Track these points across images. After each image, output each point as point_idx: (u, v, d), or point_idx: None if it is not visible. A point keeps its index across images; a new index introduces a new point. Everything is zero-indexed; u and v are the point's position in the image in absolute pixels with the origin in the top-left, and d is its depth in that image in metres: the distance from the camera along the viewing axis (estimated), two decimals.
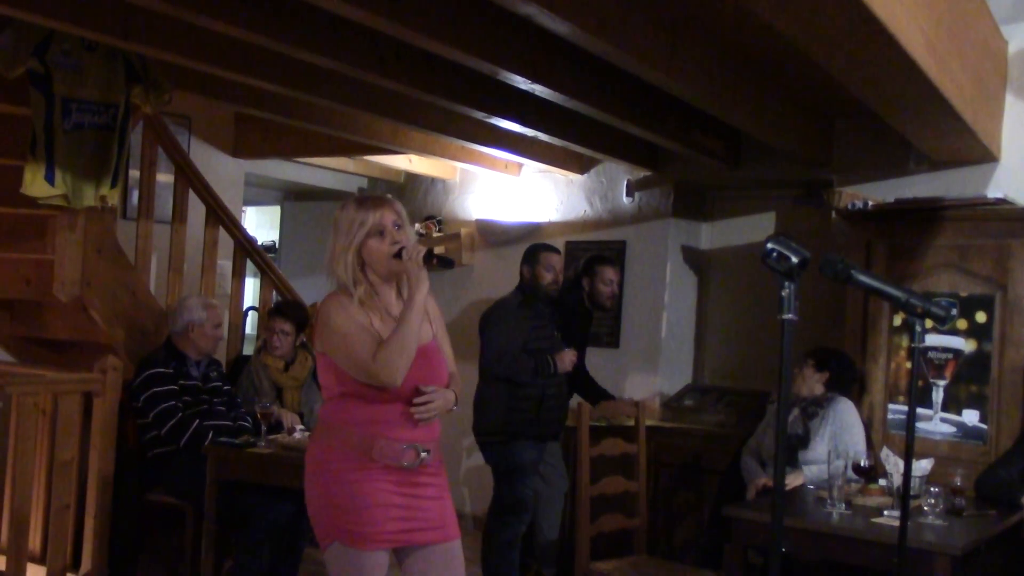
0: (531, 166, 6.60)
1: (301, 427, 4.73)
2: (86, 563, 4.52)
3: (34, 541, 4.52)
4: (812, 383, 4.45)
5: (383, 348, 2.73)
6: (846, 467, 3.88)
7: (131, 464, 4.74)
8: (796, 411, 4.43)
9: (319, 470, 2.84)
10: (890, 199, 4.95)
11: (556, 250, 4.98)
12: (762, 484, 4.28)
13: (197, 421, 4.62)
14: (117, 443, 4.63)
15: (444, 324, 3.08)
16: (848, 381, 4.53)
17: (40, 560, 4.48)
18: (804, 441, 4.35)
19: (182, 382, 4.72)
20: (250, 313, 6.41)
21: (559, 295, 4.95)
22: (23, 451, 4.33)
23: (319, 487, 2.83)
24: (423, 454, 2.83)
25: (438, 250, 6.81)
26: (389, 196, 2.92)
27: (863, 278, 2.44)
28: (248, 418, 4.83)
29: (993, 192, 4.86)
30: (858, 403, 4.70)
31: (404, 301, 2.84)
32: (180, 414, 4.61)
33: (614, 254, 6.37)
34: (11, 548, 4.29)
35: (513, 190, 6.87)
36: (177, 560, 4.93)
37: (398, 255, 2.80)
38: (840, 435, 4.28)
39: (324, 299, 2.89)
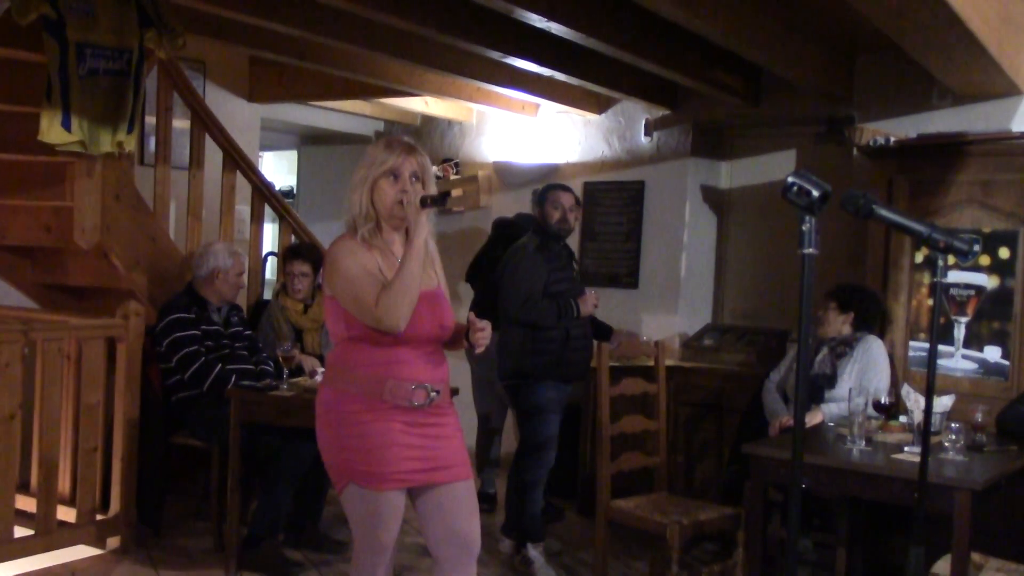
0: (548, 106, 6.54)
1: (322, 369, 4.75)
2: (114, 504, 4.60)
3: (63, 483, 4.60)
4: (838, 325, 4.44)
5: (385, 294, 2.73)
6: (867, 404, 3.88)
7: (156, 408, 4.80)
8: (825, 350, 4.42)
9: (330, 413, 2.85)
10: (912, 135, 4.88)
11: (566, 188, 4.91)
12: (785, 422, 4.29)
13: (220, 365, 4.67)
14: (141, 387, 4.69)
15: (443, 269, 3.07)
16: (873, 317, 4.52)
17: (70, 502, 4.56)
18: (831, 380, 4.35)
19: (204, 327, 4.76)
20: (269, 258, 6.43)
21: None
22: (49, 396, 4.39)
23: (331, 430, 2.85)
24: (432, 394, 2.84)
25: (456, 193, 6.89)
26: (418, 147, 2.90)
27: (885, 213, 2.42)
28: (270, 362, 4.87)
29: (1018, 126, 4.80)
30: (883, 339, 4.70)
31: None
32: (203, 359, 4.66)
33: (633, 194, 6.35)
34: (41, 490, 4.38)
35: (530, 131, 6.82)
36: (203, 501, 5.02)
37: (401, 203, 2.81)
38: (865, 372, 4.29)
39: (332, 242, 2.89)
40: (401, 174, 2.82)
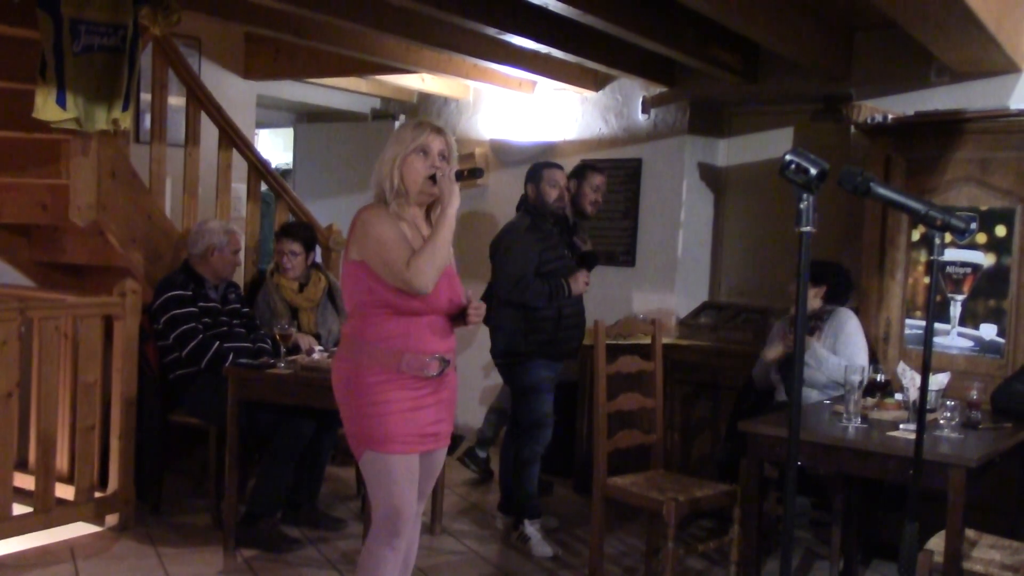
0: (545, 84, 6.52)
1: (319, 347, 4.77)
2: (113, 482, 4.61)
3: (61, 461, 4.61)
4: (810, 299, 4.46)
5: (416, 256, 2.88)
6: (862, 382, 3.89)
7: (153, 386, 4.81)
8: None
9: (350, 385, 2.97)
10: (910, 112, 4.88)
11: (559, 166, 4.93)
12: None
13: (217, 343, 4.67)
14: (139, 365, 4.69)
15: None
16: (846, 291, 4.54)
17: (68, 479, 4.57)
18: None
19: (201, 304, 4.75)
20: None
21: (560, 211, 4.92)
22: (47, 374, 4.39)
23: (351, 401, 2.97)
24: (444, 364, 3.00)
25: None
26: (445, 129, 3.07)
27: (882, 191, 2.42)
28: (267, 339, 4.87)
29: (1016, 103, 4.80)
30: (872, 316, 4.71)
31: (432, 223, 3.03)
32: (200, 336, 4.66)
33: (630, 172, 6.35)
34: (39, 468, 4.38)
35: (527, 109, 6.80)
36: (201, 479, 5.04)
37: (432, 178, 2.95)
38: (837, 344, 4.32)
39: (361, 209, 3.00)
40: (430, 151, 2.98)
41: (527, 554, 4.65)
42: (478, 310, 3.08)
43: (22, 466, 4.54)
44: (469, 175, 3.01)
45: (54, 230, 5.05)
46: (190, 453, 5.22)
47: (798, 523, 4.89)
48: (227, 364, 4.52)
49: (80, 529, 4.54)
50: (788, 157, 2.03)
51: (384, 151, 3.02)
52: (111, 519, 4.62)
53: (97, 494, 4.59)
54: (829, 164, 2.08)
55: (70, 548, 4.36)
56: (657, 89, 6.23)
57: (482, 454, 5.91)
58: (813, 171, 2.01)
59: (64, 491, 4.52)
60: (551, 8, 4.14)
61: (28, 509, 4.34)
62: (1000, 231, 4.55)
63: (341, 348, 3.06)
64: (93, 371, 4.55)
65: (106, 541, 4.48)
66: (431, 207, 3.06)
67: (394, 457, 2.94)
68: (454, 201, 2.95)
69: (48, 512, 4.38)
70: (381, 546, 2.98)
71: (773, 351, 4.49)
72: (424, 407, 2.98)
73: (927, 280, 4.68)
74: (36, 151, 4.83)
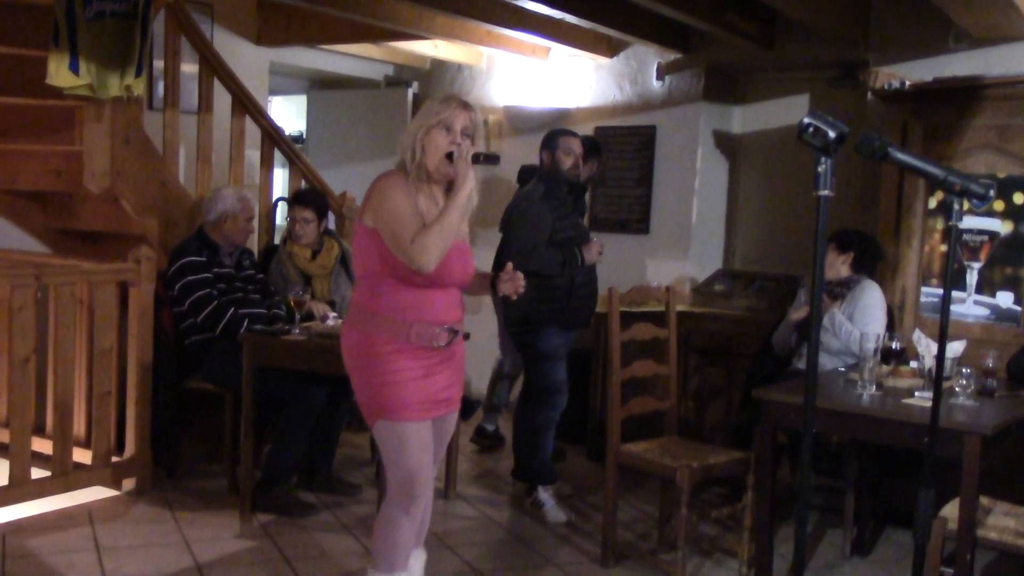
0: (559, 50, 6.47)
1: (334, 314, 4.78)
2: (129, 447, 4.65)
3: (79, 426, 4.64)
4: (837, 266, 4.44)
5: (422, 235, 2.87)
6: (877, 349, 3.88)
7: (169, 352, 4.83)
8: (824, 296, 4.42)
9: (361, 355, 2.99)
10: (928, 78, 4.83)
11: (575, 134, 4.89)
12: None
13: (232, 309, 4.68)
14: (154, 331, 4.71)
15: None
16: (873, 260, 4.51)
17: (85, 444, 4.61)
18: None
19: (216, 270, 4.76)
20: (280, 203, 6.42)
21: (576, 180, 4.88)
22: (63, 340, 4.42)
23: (361, 370, 3.00)
24: (453, 335, 3.03)
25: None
26: (473, 106, 3.04)
27: (901, 156, 2.40)
28: (282, 306, 4.88)
29: None
30: (887, 284, 4.69)
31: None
32: (215, 302, 4.67)
33: (644, 139, 6.31)
34: (57, 433, 4.42)
35: (541, 75, 6.76)
36: (217, 444, 5.07)
37: (450, 156, 2.93)
38: (855, 313, 4.31)
39: (381, 176, 3.00)
40: (453, 127, 2.96)
41: (541, 520, 4.67)
42: (517, 281, 3.08)
43: (40, 431, 4.58)
44: (485, 160, 2.98)
45: (69, 197, 5.06)
46: (206, 419, 5.26)
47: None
48: (242, 330, 4.54)
49: (97, 493, 4.59)
50: (806, 120, 2.02)
51: (412, 121, 3.03)
52: (128, 483, 4.66)
53: (114, 459, 4.64)
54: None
55: (88, 511, 4.40)
56: (672, 56, 6.18)
57: (490, 427, 5.92)
58: (832, 134, 1.99)
59: (81, 456, 4.56)
60: None
61: (46, 473, 4.39)
62: (1018, 198, 4.51)
63: (350, 316, 3.08)
64: (109, 337, 4.58)
65: (123, 505, 4.52)
66: (451, 182, 3.03)
67: (408, 424, 2.96)
68: (467, 183, 2.92)
69: (66, 476, 4.43)
70: (397, 512, 3.01)
71: (800, 312, 4.48)
72: (435, 373, 3.01)
73: (943, 248, 4.66)
74: (50, 118, 4.84)
